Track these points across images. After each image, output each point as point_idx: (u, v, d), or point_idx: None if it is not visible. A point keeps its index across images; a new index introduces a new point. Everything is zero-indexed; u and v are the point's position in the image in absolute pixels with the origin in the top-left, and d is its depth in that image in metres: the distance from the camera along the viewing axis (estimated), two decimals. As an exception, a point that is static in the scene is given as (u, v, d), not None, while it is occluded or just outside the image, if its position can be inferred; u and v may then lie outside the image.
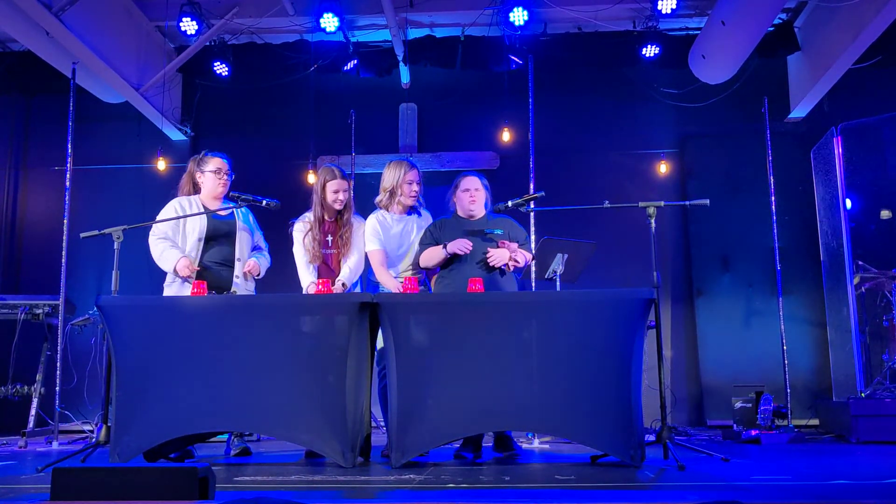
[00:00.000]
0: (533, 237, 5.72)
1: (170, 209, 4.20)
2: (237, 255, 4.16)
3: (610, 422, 3.35)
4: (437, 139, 7.18)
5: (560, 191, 6.10)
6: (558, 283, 4.19)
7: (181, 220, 4.14)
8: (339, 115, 6.70)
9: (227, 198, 4.16)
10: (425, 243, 4.10)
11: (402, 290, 3.65)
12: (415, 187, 4.17)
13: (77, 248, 6.14)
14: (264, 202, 3.97)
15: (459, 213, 4.15)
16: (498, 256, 3.92)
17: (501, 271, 4.06)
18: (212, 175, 4.21)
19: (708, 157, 6.90)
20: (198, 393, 3.50)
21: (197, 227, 4.15)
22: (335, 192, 4.20)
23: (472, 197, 4.08)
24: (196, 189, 4.32)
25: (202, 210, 4.18)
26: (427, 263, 4.05)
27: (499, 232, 4.06)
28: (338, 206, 4.19)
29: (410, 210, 4.25)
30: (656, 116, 7.05)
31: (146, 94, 6.73)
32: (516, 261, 3.97)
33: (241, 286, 4.17)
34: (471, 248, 3.92)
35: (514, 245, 3.96)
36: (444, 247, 3.95)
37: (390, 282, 4.03)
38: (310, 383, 3.40)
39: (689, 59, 6.77)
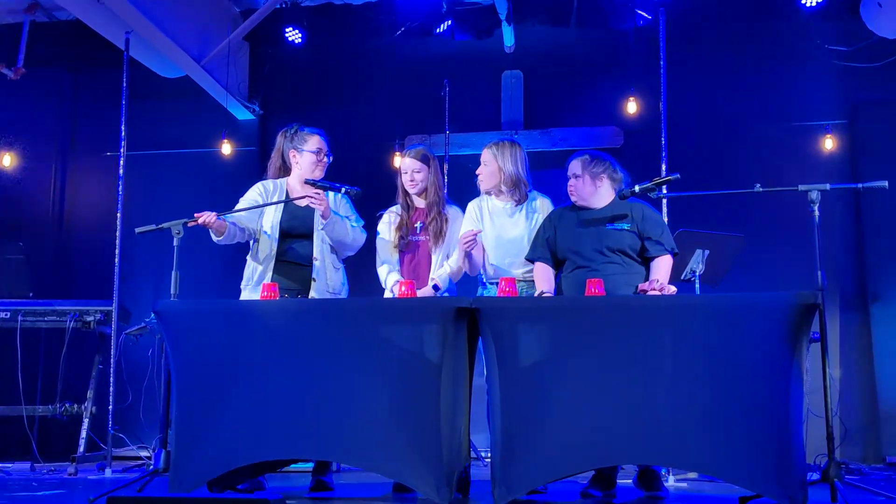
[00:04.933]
0: (666, 230, 5.57)
1: (252, 193, 4.32)
2: (315, 252, 4.24)
3: (764, 456, 3.29)
4: (547, 113, 7.22)
5: (698, 172, 5.94)
6: (698, 286, 4.24)
7: (260, 208, 4.22)
8: (430, 87, 6.81)
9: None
10: (539, 238, 4.17)
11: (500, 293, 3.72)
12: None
13: (132, 246, 6.28)
14: (343, 189, 4.10)
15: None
16: None
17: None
18: (310, 156, 4.31)
19: (886, 129, 6.73)
20: (269, 414, 3.56)
21: (272, 216, 4.26)
22: (404, 172, 4.37)
23: (571, 185, 4.13)
24: (286, 170, 4.43)
25: (285, 197, 4.29)
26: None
27: (625, 227, 4.07)
28: (410, 189, 4.36)
29: (518, 198, 4.36)
30: (819, 80, 6.94)
31: (208, 67, 6.85)
32: None
33: (323, 286, 4.22)
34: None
35: (657, 285, 3.89)
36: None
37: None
38: (398, 404, 3.45)
39: (860, 8, 6.63)
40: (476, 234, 4.07)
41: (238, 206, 4.28)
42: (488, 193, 4.38)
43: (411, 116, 7.18)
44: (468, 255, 4.17)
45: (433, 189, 4.39)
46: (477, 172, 4.35)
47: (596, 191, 4.12)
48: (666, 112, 5.91)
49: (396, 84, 7.28)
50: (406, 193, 4.44)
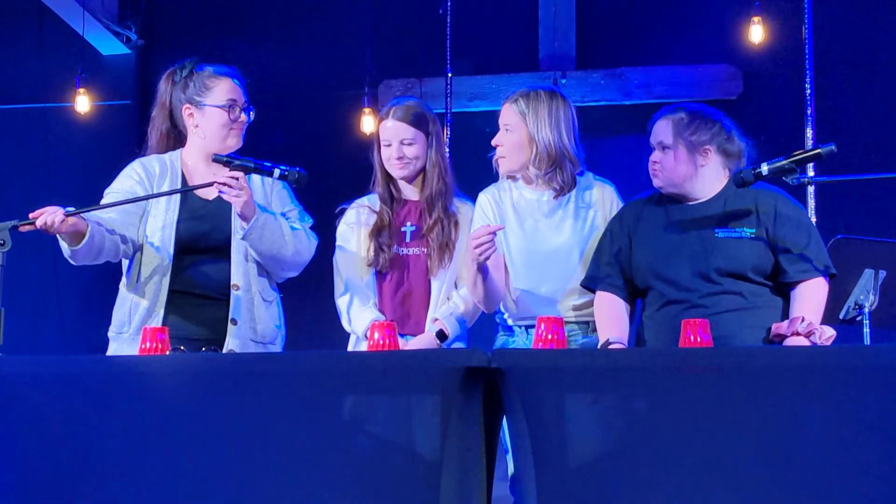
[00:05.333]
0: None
1: (126, 180, 3.75)
2: (234, 277, 3.67)
3: None
4: (614, 43, 6.40)
5: (861, 143, 5.34)
6: (868, 330, 3.69)
7: (138, 204, 3.68)
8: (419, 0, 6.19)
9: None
10: (603, 251, 3.64)
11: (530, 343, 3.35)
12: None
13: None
14: (276, 171, 3.53)
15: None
16: None
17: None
18: (217, 113, 3.72)
19: None
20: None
21: (161, 218, 3.70)
22: (385, 143, 3.84)
23: (655, 161, 3.53)
24: (179, 140, 3.85)
25: (179, 186, 3.75)
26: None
27: (747, 233, 3.51)
28: (396, 171, 3.87)
29: (561, 184, 3.75)
30: None
31: None
32: None
33: (247, 331, 3.72)
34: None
35: (803, 326, 3.38)
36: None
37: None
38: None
39: None
40: (496, 232, 3.52)
41: (103, 201, 3.68)
42: (511, 178, 3.82)
43: (389, 49, 6.42)
44: (482, 274, 3.57)
45: (435, 171, 3.84)
46: (494, 143, 3.76)
47: (697, 171, 3.55)
48: (812, 43, 5.28)
49: None
50: (388, 178, 3.89)
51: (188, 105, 3.75)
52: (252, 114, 3.85)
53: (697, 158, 3.53)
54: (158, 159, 3.81)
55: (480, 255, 3.50)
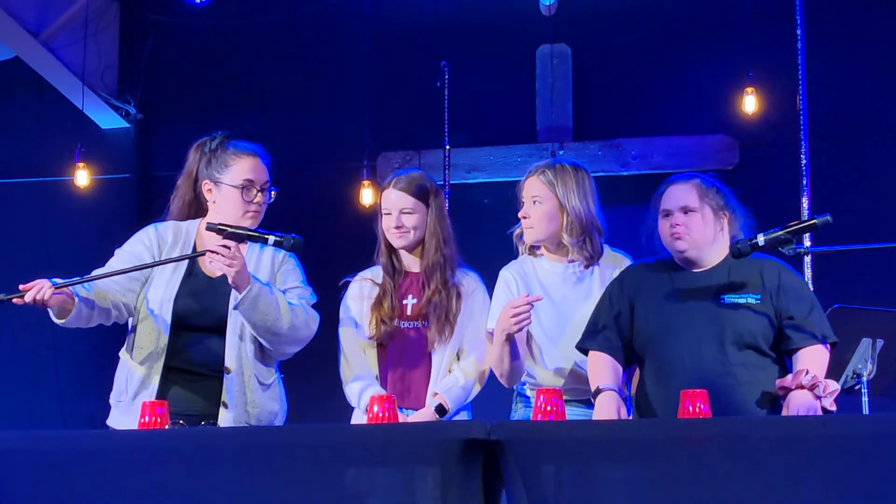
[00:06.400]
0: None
1: (136, 244, 3.69)
2: (227, 359, 3.59)
3: None
4: (611, 114, 6.37)
5: (856, 213, 5.29)
6: (866, 399, 3.73)
7: (142, 271, 3.62)
8: (419, 74, 6.06)
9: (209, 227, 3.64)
10: (602, 312, 3.60)
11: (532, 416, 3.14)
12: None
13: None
14: (270, 238, 3.45)
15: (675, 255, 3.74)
16: (801, 413, 3.33)
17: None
18: (232, 193, 3.65)
19: None
20: None
21: (162, 290, 3.63)
22: (386, 212, 3.81)
23: (674, 225, 3.50)
24: (201, 209, 3.79)
25: (185, 251, 3.65)
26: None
27: (752, 299, 3.48)
28: (396, 241, 3.83)
29: (588, 254, 3.75)
30: None
31: (54, 45, 6.30)
32: (828, 410, 3.36)
33: (241, 415, 3.64)
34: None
35: (807, 379, 3.33)
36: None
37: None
38: None
39: None
40: (533, 302, 3.49)
41: (112, 260, 3.66)
42: (532, 253, 3.84)
43: (388, 121, 6.42)
44: (510, 348, 3.54)
45: (433, 242, 3.80)
46: (522, 216, 3.74)
47: (714, 237, 3.55)
48: (807, 112, 5.35)
49: (363, 68, 6.43)
50: (390, 249, 3.85)
51: (207, 181, 3.68)
52: (273, 194, 3.77)
53: (718, 224, 3.52)
54: (175, 227, 3.73)
55: (516, 324, 3.42)
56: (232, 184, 3.64)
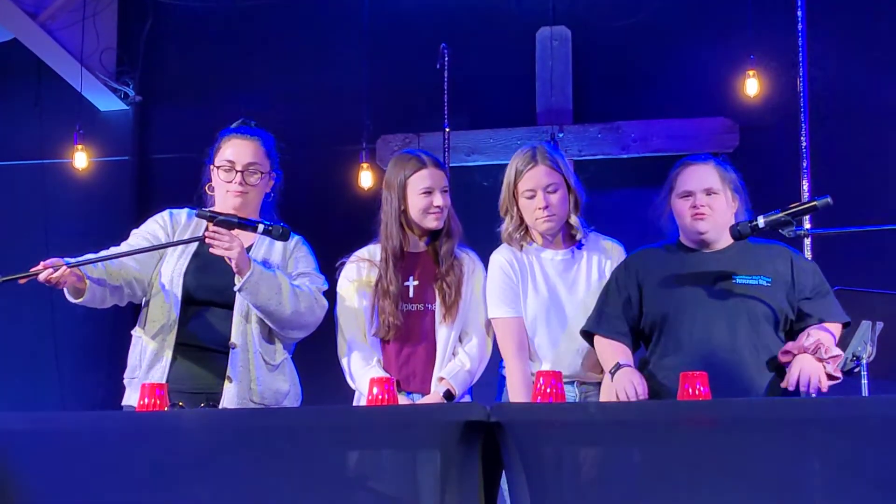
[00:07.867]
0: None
1: (152, 224, 3.76)
2: (233, 334, 3.60)
3: None
4: (611, 98, 6.38)
5: (856, 195, 5.27)
6: (866, 382, 3.66)
7: (155, 252, 3.67)
8: (416, 55, 6.04)
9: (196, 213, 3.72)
10: (610, 297, 3.59)
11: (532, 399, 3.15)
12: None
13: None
14: (259, 227, 3.49)
15: (684, 238, 3.65)
16: (803, 376, 3.35)
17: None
18: (215, 173, 3.72)
19: None
20: None
21: (172, 266, 3.68)
22: (426, 191, 3.68)
23: (697, 206, 3.49)
24: None
25: (190, 235, 3.68)
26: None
27: (764, 282, 3.51)
28: (434, 223, 3.71)
29: (579, 244, 3.74)
30: None
31: (52, 27, 6.27)
32: (832, 375, 3.38)
33: (245, 392, 3.63)
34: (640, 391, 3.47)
35: (824, 340, 3.39)
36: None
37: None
38: None
39: None
40: (527, 289, 3.70)
41: (128, 240, 3.71)
42: (524, 241, 3.79)
43: (389, 105, 6.43)
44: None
45: (452, 219, 3.77)
46: (544, 205, 3.67)
47: (730, 220, 3.55)
48: (808, 94, 5.24)
49: (362, 51, 6.46)
50: (404, 228, 3.73)
51: (212, 165, 3.76)
52: (276, 177, 3.78)
53: (733, 205, 3.54)
54: (185, 212, 3.79)
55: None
56: (215, 165, 3.69)
